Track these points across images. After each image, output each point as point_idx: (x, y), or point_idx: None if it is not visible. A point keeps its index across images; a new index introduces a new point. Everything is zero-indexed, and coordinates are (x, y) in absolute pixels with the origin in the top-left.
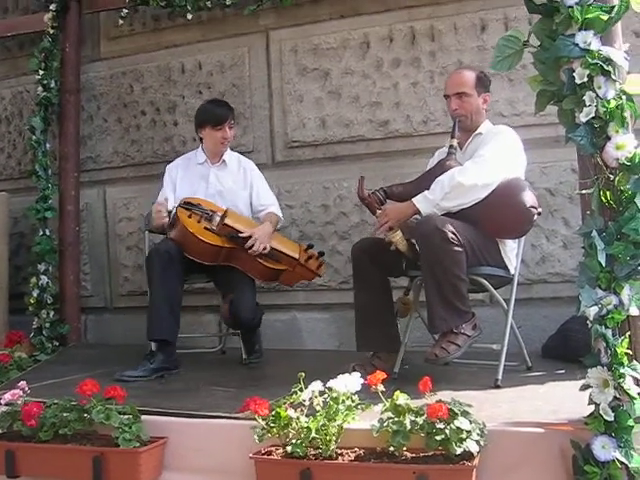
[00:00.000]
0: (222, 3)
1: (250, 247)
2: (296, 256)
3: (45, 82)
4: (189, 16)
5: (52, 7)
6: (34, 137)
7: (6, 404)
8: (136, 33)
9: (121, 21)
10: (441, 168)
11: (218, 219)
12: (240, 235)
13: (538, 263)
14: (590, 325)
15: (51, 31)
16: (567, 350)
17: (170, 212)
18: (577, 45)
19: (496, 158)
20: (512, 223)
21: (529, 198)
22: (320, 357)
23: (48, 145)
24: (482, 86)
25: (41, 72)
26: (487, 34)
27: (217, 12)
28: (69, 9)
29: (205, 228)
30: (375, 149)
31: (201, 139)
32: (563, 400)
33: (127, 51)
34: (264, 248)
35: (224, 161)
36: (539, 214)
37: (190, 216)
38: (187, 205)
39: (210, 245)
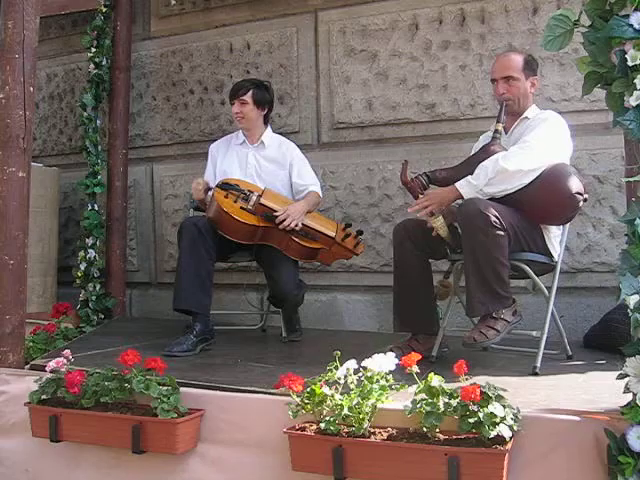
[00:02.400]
0: None
1: (281, 222)
2: (332, 235)
3: (97, 60)
4: None
5: None
6: (85, 114)
7: (51, 371)
8: (186, 12)
9: (173, 1)
10: (485, 153)
11: (255, 198)
12: (274, 214)
13: (583, 252)
14: (630, 314)
15: (104, 9)
16: (609, 340)
17: (209, 189)
18: (631, 26)
19: (542, 144)
20: (557, 209)
21: (575, 184)
22: (359, 338)
23: (99, 122)
24: (530, 69)
25: (93, 50)
26: (539, 17)
27: None
28: None
29: (241, 208)
30: (421, 132)
31: None
32: (601, 390)
33: (177, 30)
34: (295, 225)
35: (262, 142)
36: (585, 200)
37: (227, 196)
38: (225, 185)
39: (245, 224)
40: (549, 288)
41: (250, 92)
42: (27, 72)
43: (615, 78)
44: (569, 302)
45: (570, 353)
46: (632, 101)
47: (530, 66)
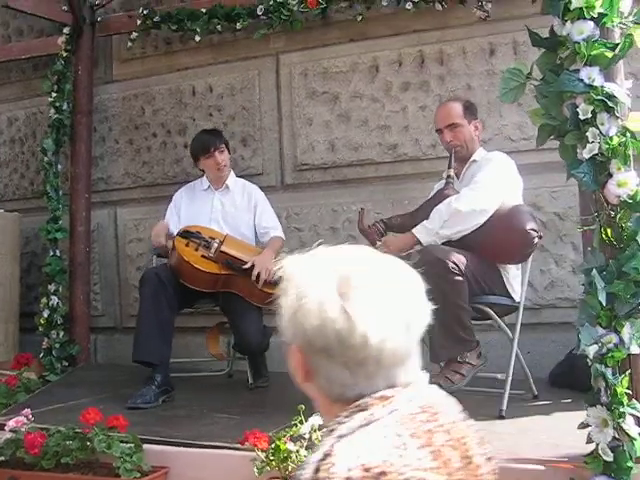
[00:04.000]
0: (233, 27)
1: (256, 276)
2: None
3: (57, 104)
4: (197, 38)
5: (66, 30)
6: (46, 158)
7: (10, 431)
8: (148, 56)
9: (130, 43)
10: (439, 198)
11: (216, 245)
12: (242, 267)
13: (547, 288)
14: (590, 364)
15: (64, 54)
16: (574, 378)
17: (171, 235)
18: (582, 81)
19: (491, 183)
20: (512, 247)
21: (528, 222)
22: None
23: (60, 166)
24: (470, 114)
25: (54, 94)
26: (496, 58)
27: (228, 35)
28: (82, 32)
29: (202, 256)
30: (384, 172)
31: (203, 170)
32: (566, 433)
33: (139, 73)
34: (268, 275)
35: (227, 186)
36: (540, 237)
37: (187, 244)
38: (185, 234)
39: (206, 273)
40: (513, 326)
41: (223, 141)
42: None
43: (568, 131)
44: (534, 338)
45: (536, 393)
46: (585, 154)
47: (470, 111)
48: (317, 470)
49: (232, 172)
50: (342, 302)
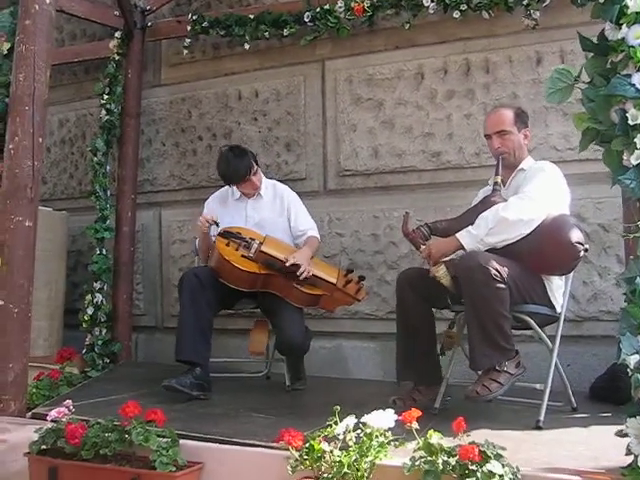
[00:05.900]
0: (280, 33)
1: (294, 271)
2: (334, 281)
3: (109, 106)
4: (246, 46)
5: (117, 35)
6: (96, 159)
7: (52, 421)
8: (196, 60)
9: (185, 51)
10: (486, 204)
11: (256, 246)
12: (281, 262)
13: (589, 300)
14: (630, 374)
15: (116, 57)
16: (615, 392)
17: (216, 223)
18: (634, 85)
19: (540, 194)
20: (557, 259)
21: (575, 234)
22: (363, 387)
23: (108, 167)
24: (521, 122)
25: (105, 96)
26: (542, 67)
27: (274, 42)
28: (133, 37)
29: (242, 256)
30: (427, 180)
31: None
32: (605, 446)
33: (187, 78)
34: (308, 272)
35: (259, 193)
36: (586, 250)
37: (228, 244)
38: (226, 234)
39: (246, 272)
40: (553, 337)
41: (253, 163)
42: (37, 123)
43: (614, 136)
44: (576, 351)
45: (574, 405)
46: (633, 160)
47: (521, 119)
48: None
49: (263, 177)
50: None
